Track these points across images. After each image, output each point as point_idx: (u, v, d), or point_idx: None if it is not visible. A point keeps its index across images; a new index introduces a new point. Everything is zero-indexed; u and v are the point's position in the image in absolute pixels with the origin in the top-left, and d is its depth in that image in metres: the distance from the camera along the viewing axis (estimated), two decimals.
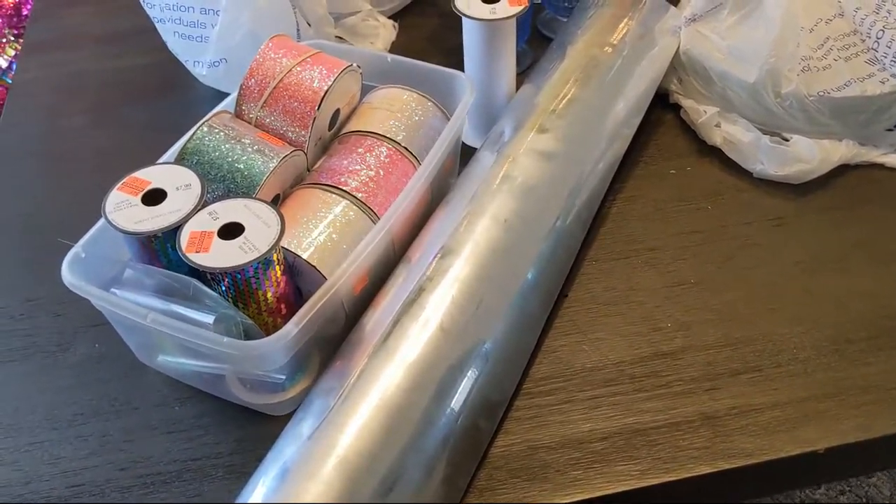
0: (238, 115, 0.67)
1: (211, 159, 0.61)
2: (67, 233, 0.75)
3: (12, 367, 0.65)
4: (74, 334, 0.67)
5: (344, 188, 0.63)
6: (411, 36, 0.97)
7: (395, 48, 0.95)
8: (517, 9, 0.73)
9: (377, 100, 0.71)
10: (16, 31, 1.72)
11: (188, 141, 0.61)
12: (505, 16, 0.73)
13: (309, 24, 0.85)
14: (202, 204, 0.56)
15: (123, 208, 0.56)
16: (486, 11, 0.73)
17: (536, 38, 0.95)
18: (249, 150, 0.62)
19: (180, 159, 0.61)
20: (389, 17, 0.97)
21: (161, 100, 0.89)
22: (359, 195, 0.63)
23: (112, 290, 0.58)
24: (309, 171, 0.68)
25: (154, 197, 0.57)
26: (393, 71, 0.74)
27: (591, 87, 0.76)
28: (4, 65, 1.68)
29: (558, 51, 0.80)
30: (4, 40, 1.69)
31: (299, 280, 0.60)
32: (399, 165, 0.67)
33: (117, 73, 0.94)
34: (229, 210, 0.56)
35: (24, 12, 1.70)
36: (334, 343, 0.60)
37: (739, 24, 0.81)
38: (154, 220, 0.55)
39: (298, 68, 0.66)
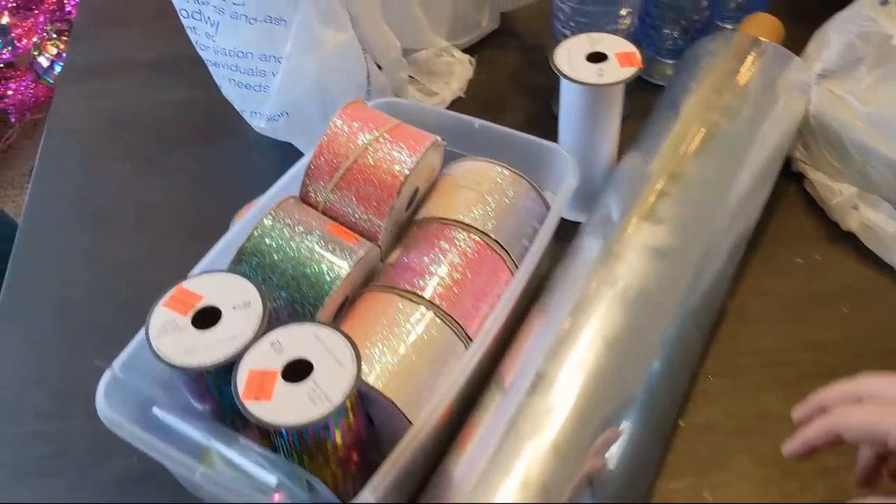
0: (304, 196, 0.57)
1: (273, 262, 0.52)
2: (104, 313, 0.67)
3: (37, 484, 0.56)
4: (110, 441, 0.58)
5: (423, 294, 0.54)
6: (490, 73, 0.87)
7: (472, 87, 0.85)
8: (629, 71, 0.62)
9: (462, 175, 0.61)
10: (59, 27, 1.64)
11: (248, 240, 0.52)
12: (615, 80, 0.62)
13: (380, 68, 0.75)
14: (263, 328, 0.47)
15: (170, 331, 0.47)
16: (591, 73, 0.62)
17: (633, 82, 0.84)
18: (318, 249, 0.52)
19: (238, 261, 0.52)
20: (465, 51, 0.87)
21: (212, 144, 0.80)
22: (442, 304, 0.54)
23: (154, 409, 0.49)
24: (382, 261, 0.58)
25: (207, 317, 0.47)
26: (479, 138, 0.64)
27: (709, 157, 0.65)
28: (46, 63, 1.61)
29: (668, 111, 0.69)
30: (46, 36, 1.61)
31: (370, 407, 0.51)
32: (488, 262, 0.57)
33: (165, 109, 0.85)
34: (295, 340, 0.46)
35: (68, 7, 1.62)
36: (412, 481, 0.51)
37: (880, 84, 0.69)
38: (206, 349, 0.46)
39: (375, 146, 0.56)
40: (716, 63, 0.72)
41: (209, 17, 0.67)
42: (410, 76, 0.82)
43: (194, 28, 0.69)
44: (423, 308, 0.53)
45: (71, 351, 0.64)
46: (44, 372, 0.63)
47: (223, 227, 0.71)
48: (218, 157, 0.79)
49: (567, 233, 0.63)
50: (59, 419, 0.60)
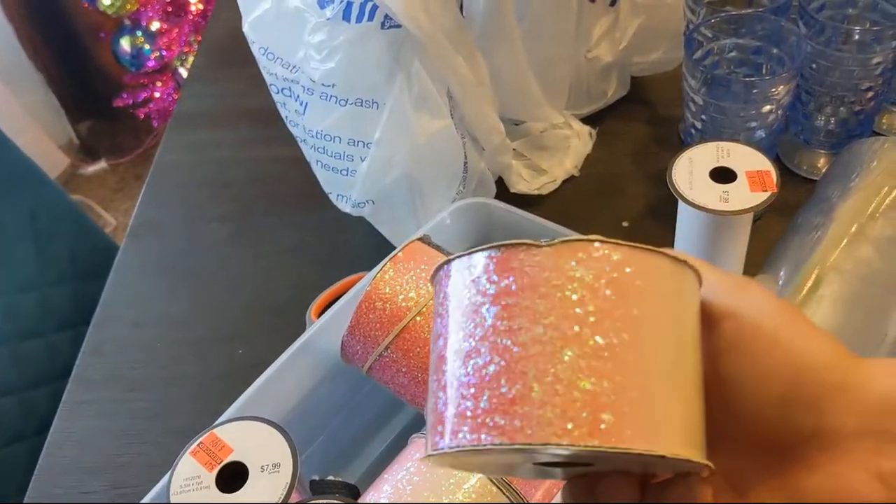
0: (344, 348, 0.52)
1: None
2: (172, 397, 0.65)
3: None
4: None
5: None
6: (611, 148, 0.78)
7: (588, 164, 0.77)
8: (760, 197, 0.53)
9: None
10: (199, 39, 1.66)
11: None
12: (741, 208, 0.52)
13: (484, 149, 0.68)
14: (287, 500, 0.42)
15: (193, 489, 0.43)
16: (714, 197, 0.53)
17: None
18: None
19: None
20: (585, 120, 0.79)
21: (308, 214, 0.76)
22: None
23: None
24: None
25: (232, 476, 0.43)
26: None
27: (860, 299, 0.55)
28: (186, 75, 1.63)
29: (818, 217, 0.59)
30: (188, 48, 1.64)
31: None
32: None
33: (267, 165, 0.82)
34: None
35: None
36: None
37: None
38: None
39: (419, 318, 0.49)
40: (874, 181, 0.61)
41: (298, 96, 0.62)
42: (518, 152, 0.75)
43: (284, 104, 0.65)
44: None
45: (133, 439, 0.62)
46: (104, 463, 0.61)
47: (302, 310, 0.68)
48: (312, 229, 0.75)
49: None
50: None
